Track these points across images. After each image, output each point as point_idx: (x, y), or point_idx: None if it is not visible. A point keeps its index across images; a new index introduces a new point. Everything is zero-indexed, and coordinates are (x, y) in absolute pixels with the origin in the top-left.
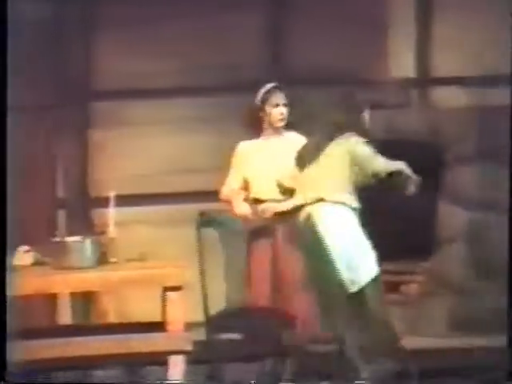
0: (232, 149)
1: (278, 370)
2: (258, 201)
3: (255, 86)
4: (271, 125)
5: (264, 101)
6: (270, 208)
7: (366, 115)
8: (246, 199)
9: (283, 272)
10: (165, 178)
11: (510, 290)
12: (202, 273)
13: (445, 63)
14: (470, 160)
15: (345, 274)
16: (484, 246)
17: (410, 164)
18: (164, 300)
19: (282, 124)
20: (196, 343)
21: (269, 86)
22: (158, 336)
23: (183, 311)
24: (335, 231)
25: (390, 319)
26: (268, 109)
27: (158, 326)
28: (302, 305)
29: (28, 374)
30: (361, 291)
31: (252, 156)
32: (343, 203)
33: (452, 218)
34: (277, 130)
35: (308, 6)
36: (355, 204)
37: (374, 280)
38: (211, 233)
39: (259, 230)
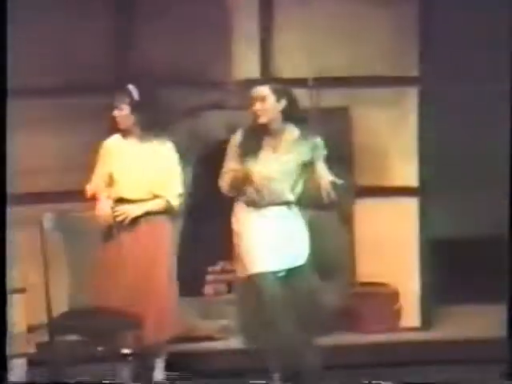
0: (78, 149)
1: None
2: (122, 200)
3: (101, 87)
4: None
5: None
6: (128, 212)
7: None
8: (109, 197)
9: (133, 273)
10: (10, 179)
11: (510, 288)
12: (46, 274)
13: (287, 65)
14: None
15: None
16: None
17: None
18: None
19: (122, 127)
20: (39, 345)
21: (123, 88)
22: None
23: (26, 313)
24: None
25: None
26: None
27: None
28: (157, 305)
29: None
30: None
31: (118, 153)
32: None
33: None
34: (125, 132)
35: (155, 8)
36: None
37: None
38: (56, 234)
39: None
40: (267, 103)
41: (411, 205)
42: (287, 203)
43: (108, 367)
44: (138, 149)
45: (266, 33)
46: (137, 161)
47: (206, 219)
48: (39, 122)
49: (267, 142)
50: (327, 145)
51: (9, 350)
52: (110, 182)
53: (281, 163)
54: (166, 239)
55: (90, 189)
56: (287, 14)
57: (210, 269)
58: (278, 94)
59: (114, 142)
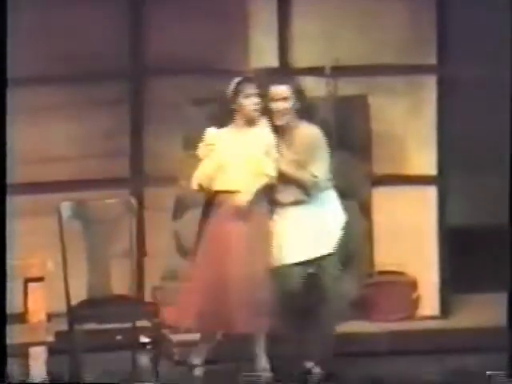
0: (91, 136)
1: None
2: (227, 191)
3: (114, 76)
4: (244, 116)
5: (236, 92)
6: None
7: None
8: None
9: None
10: (25, 168)
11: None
12: (65, 263)
13: (305, 54)
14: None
15: None
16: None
17: None
18: (25, 291)
19: (253, 114)
20: (58, 334)
21: (240, 77)
22: (19, 327)
23: (44, 302)
24: None
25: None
26: (240, 100)
27: (19, 317)
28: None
29: None
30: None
31: (224, 144)
32: None
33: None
34: (249, 120)
35: None
36: None
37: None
38: (74, 223)
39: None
40: (288, 103)
41: (429, 193)
42: (309, 197)
43: (127, 355)
44: (246, 136)
45: (283, 21)
46: (246, 149)
47: None
48: (56, 109)
49: (284, 141)
50: (345, 133)
51: (19, 340)
52: (217, 172)
53: (298, 163)
54: (267, 228)
55: (196, 180)
56: (305, 2)
57: None
58: (297, 95)
59: (218, 134)
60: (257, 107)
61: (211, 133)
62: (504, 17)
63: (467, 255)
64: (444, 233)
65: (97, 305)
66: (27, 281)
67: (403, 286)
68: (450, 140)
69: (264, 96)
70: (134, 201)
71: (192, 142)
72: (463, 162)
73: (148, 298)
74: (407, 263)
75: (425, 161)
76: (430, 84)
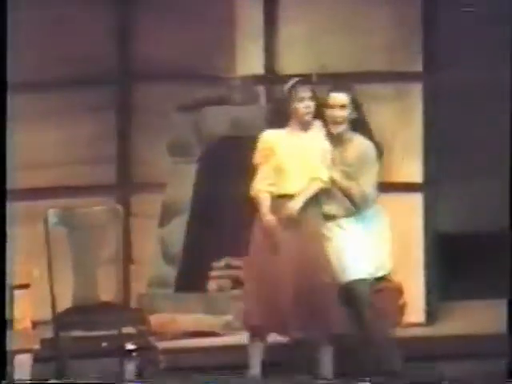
0: (78, 143)
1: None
2: (287, 196)
3: (101, 82)
4: (297, 119)
5: (290, 95)
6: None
7: None
8: (275, 194)
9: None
10: (11, 174)
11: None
12: (51, 270)
13: (291, 61)
14: None
15: None
16: None
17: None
18: (11, 298)
19: (307, 118)
20: (43, 341)
21: (295, 79)
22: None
23: (30, 309)
24: None
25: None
26: (294, 103)
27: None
28: (319, 302)
29: None
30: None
31: (281, 147)
32: None
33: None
34: (303, 124)
35: (157, 2)
36: None
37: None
38: (61, 230)
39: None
40: (345, 112)
41: (416, 200)
42: (357, 211)
43: (113, 363)
44: (305, 139)
45: (270, 27)
46: (305, 152)
47: (211, 215)
48: (40, 115)
49: (337, 151)
50: None
51: (11, 347)
52: (275, 177)
53: (346, 175)
54: (321, 232)
55: (255, 188)
56: (292, 9)
57: (214, 264)
58: (353, 104)
59: (275, 138)
60: (310, 111)
61: (268, 136)
62: (491, 23)
63: (455, 262)
64: (430, 240)
65: (83, 312)
66: (13, 288)
67: (389, 293)
68: (437, 147)
69: (318, 100)
70: (120, 208)
71: (178, 148)
72: (450, 168)
73: (134, 304)
74: (393, 270)
75: (411, 168)
76: (416, 91)
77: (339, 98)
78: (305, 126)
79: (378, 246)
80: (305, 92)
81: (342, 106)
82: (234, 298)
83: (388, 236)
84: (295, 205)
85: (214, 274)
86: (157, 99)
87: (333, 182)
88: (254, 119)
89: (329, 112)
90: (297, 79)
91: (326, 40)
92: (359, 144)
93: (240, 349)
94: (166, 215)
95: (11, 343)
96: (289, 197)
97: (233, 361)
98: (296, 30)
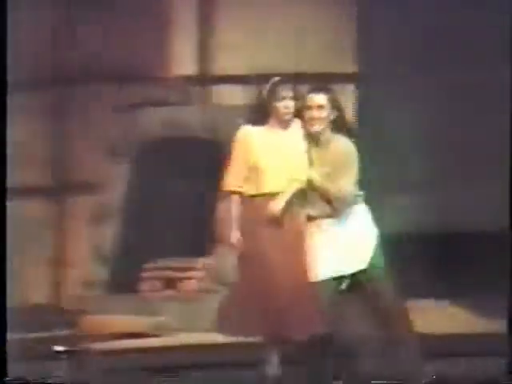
0: (13, 144)
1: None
2: (265, 195)
3: (36, 84)
4: (277, 118)
5: (271, 93)
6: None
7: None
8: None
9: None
10: None
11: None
12: None
13: (226, 62)
14: None
15: None
16: None
17: (190, 161)
18: None
19: (287, 117)
20: None
21: (276, 78)
22: None
23: None
24: None
25: None
26: (275, 102)
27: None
28: (301, 301)
29: None
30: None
31: (258, 144)
32: None
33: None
34: (282, 123)
35: (91, 3)
36: None
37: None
38: None
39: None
40: (324, 112)
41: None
42: (337, 211)
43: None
44: (284, 138)
45: (205, 30)
46: (284, 151)
47: (144, 216)
48: None
49: (316, 152)
50: None
51: None
52: (250, 175)
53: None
54: (305, 232)
55: (227, 185)
56: (228, 12)
57: (145, 266)
58: (332, 104)
59: (252, 134)
60: (290, 111)
61: (245, 132)
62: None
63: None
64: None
65: (15, 314)
66: None
67: None
68: (370, 147)
69: (298, 100)
70: (55, 209)
71: (113, 149)
72: (386, 172)
73: (66, 306)
74: None
75: None
76: (349, 91)
77: (317, 98)
78: (284, 125)
79: (357, 245)
80: (286, 92)
81: (320, 107)
82: (165, 298)
83: (372, 233)
84: (277, 205)
85: (146, 275)
86: (92, 100)
87: (311, 182)
88: (188, 120)
89: (307, 112)
90: (278, 78)
91: (261, 41)
92: (339, 145)
93: (175, 349)
94: (100, 216)
95: None
96: (267, 196)
97: (168, 362)
98: (230, 32)
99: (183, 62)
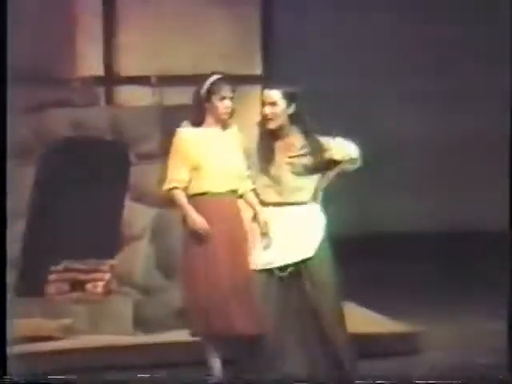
0: None
1: None
2: (209, 193)
3: None
4: (215, 117)
5: (210, 92)
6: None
7: None
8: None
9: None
10: None
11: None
12: None
13: (130, 62)
14: (153, 157)
15: None
16: (167, 243)
17: (96, 162)
18: None
19: (225, 117)
20: None
21: (215, 77)
22: None
23: None
24: None
25: None
26: (214, 101)
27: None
28: (243, 298)
29: None
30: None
31: (198, 145)
32: None
33: (137, 215)
34: (221, 123)
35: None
36: None
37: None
38: None
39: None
40: (278, 108)
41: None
42: (299, 203)
43: None
44: (223, 137)
45: (109, 31)
46: (224, 150)
47: (50, 218)
48: None
49: (279, 146)
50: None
51: None
52: (192, 175)
53: (292, 167)
54: (245, 231)
55: (168, 184)
56: (131, 13)
57: (52, 268)
58: (289, 99)
59: (191, 134)
60: (229, 110)
61: (184, 133)
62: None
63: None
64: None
65: None
66: None
67: None
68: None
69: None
70: None
71: (19, 151)
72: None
73: None
74: None
75: None
76: (255, 94)
77: (269, 94)
78: (222, 125)
79: (304, 235)
80: (225, 91)
81: (272, 103)
82: (72, 301)
83: (321, 220)
84: (220, 202)
85: (52, 277)
86: None
87: (273, 176)
88: (94, 120)
89: (262, 109)
90: (217, 76)
91: (165, 41)
92: (298, 138)
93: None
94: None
95: None
96: (209, 195)
97: (77, 364)
98: (135, 32)
99: (89, 62)
